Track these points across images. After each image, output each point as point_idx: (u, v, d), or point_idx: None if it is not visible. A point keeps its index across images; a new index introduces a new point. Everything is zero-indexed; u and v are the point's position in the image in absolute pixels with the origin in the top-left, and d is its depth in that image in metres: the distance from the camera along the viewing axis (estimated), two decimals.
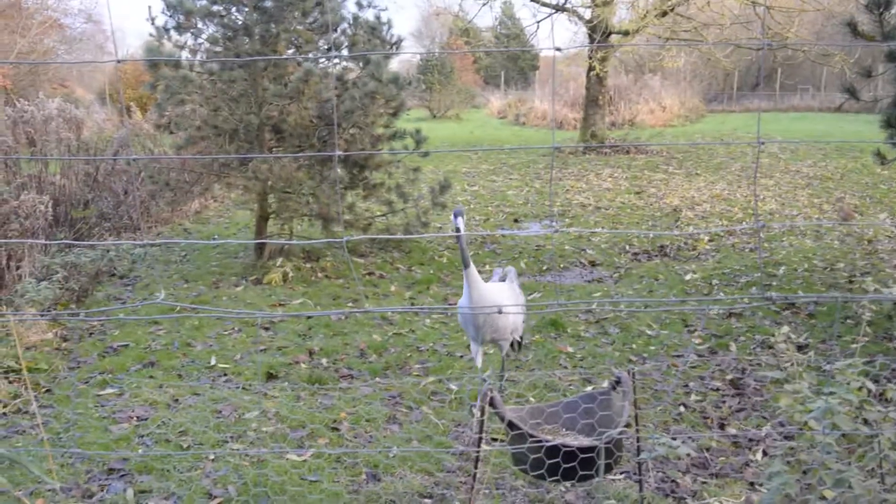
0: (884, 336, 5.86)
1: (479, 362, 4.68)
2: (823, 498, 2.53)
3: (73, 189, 9.98)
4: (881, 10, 6.06)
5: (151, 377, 5.50)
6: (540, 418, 3.16)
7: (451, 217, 4.31)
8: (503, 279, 4.82)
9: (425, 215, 9.00)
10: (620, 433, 2.66)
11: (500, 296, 4.48)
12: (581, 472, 2.59)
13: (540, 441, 2.68)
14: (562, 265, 8.64)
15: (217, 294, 7.63)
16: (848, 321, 6.14)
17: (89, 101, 20.03)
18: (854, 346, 5.59)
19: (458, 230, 4.15)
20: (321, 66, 9.00)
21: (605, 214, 11.43)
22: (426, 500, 3.77)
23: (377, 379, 5.38)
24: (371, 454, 4.23)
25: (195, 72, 8.48)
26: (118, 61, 1.73)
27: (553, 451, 2.66)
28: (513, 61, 44.67)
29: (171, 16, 8.45)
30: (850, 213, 10.75)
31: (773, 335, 2.73)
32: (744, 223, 10.36)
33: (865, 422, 2.27)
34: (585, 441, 2.85)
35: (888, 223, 10.20)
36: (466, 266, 4.30)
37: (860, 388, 2.27)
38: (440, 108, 32.89)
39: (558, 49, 1.87)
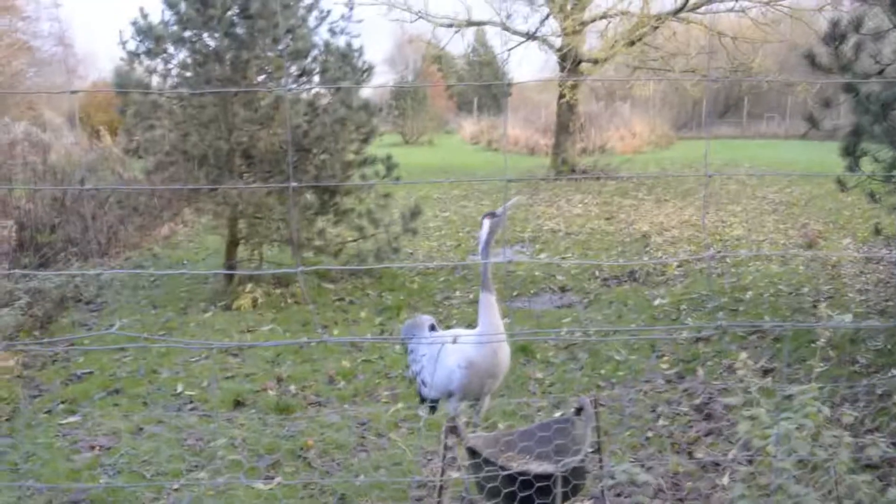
0: (847, 360, 5.95)
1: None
2: None
3: (40, 213, 9.85)
4: (837, 43, 6.23)
5: (116, 405, 5.41)
6: (505, 446, 3.16)
7: (482, 232, 3.51)
8: (432, 327, 4.13)
9: (396, 241, 9.01)
10: (580, 460, 2.67)
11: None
12: (538, 501, 2.59)
13: (496, 468, 2.68)
14: (532, 290, 8.67)
15: (185, 320, 7.55)
16: (812, 345, 6.22)
17: (58, 125, 19.83)
18: (818, 369, 5.67)
19: (488, 235, 3.44)
20: (292, 92, 9.03)
21: (575, 240, 11.52)
22: None
23: (346, 406, 5.34)
24: (338, 482, 4.19)
25: (165, 97, 8.46)
26: (72, 91, 1.73)
27: (511, 478, 2.65)
28: (486, 87, 45.08)
29: (141, 41, 8.44)
30: (814, 239, 10.95)
31: (747, 364, 2.77)
32: (711, 248, 10.50)
33: (822, 446, 2.31)
34: (543, 468, 2.85)
35: (851, 248, 10.40)
36: (489, 291, 3.48)
37: (817, 413, 2.32)
38: (413, 133, 33.08)
39: (509, 92, 1.91)
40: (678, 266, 9.58)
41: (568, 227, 12.55)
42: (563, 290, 8.73)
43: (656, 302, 7.99)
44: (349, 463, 4.51)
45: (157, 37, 8.21)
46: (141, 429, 4.99)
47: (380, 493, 4.07)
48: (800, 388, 2.35)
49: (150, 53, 8.46)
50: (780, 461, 2.18)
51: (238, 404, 5.40)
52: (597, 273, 9.37)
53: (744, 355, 2.45)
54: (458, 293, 8.45)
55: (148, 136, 8.29)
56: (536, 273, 9.37)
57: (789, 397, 2.36)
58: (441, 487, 2.85)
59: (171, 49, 8.51)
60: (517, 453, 3.13)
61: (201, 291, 8.64)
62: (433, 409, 4.05)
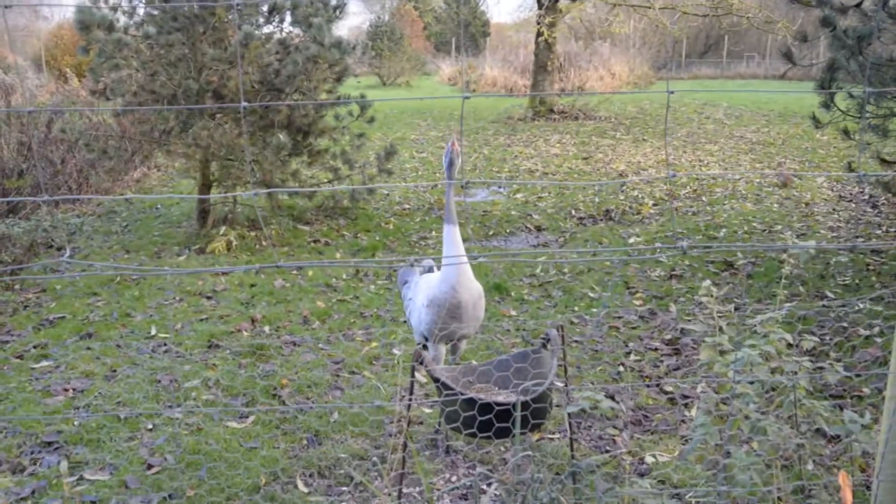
0: (816, 294, 6.05)
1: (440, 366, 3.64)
2: (754, 449, 2.62)
3: (6, 158, 9.62)
4: None
5: (89, 349, 5.38)
6: (471, 376, 3.18)
7: (444, 156, 3.49)
8: (429, 269, 4.09)
9: (371, 182, 8.93)
10: (538, 387, 2.70)
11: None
12: (498, 426, 2.62)
13: (455, 394, 2.70)
14: (508, 230, 8.68)
15: (159, 264, 7.48)
16: (783, 281, 6.30)
17: (23, 67, 19.24)
18: (788, 304, 5.76)
19: (448, 168, 3.40)
20: (265, 31, 8.80)
21: (552, 180, 11.50)
22: (365, 464, 3.79)
23: (320, 345, 5.36)
24: (310, 420, 4.22)
25: (130, 35, 8.20)
26: (5, 6, 1.65)
27: (471, 404, 2.68)
28: (464, 28, 44.32)
29: None
30: (789, 178, 11.00)
31: (711, 292, 2.78)
32: (687, 187, 10.53)
33: (784, 372, 2.35)
34: (504, 396, 2.88)
35: (825, 187, 10.48)
36: (451, 222, 3.44)
37: (778, 340, 2.34)
38: (390, 75, 32.59)
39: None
40: (654, 205, 9.61)
41: (545, 167, 12.50)
42: (538, 229, 8.73)
43: (631, 240, 8.03)
44: (323, 401, 4.54)
45: None
46: (114, 371, 4.97)
47: (353, 429, 4.11)
48: (763, 316, 2.37)
49: None
50: (739, 384, 2.21)
51: (212, 346, 5.40)
52: (573, 212, 9.37)
53: (707, 283, 2.46)
54: (433, 233, 8.43)
55: (114, 76, 8.07)
56: (513, 213, 9.36)
57: (749, 325, 2.38)
58: (409, 418, 2.87)
59: None
60: (484, 383, 3.16)
61: (175, 235, 8.55)
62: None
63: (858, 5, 6.48)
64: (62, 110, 9.35)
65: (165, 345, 5.46)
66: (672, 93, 1.84)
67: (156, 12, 8.30)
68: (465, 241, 3.60)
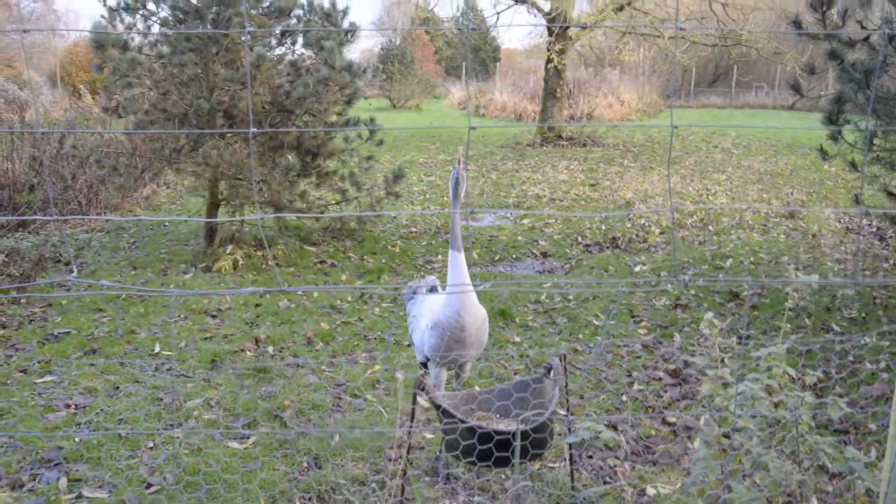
0: (822, 327, 6.02)
1: (442, 391, 3.67)
2: (756, 484, 2.59)
3: (18, 173, 9.71)
4: (824, 8, 6.19)
5: (92, 365, 5.39)
6: (473, 403, 3.17)
7: (450, 178, 3.55)
8: (433, 289, 4.12)
9: (379, 204, 8.97)
10: (538, 416, 2.68)
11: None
12: (497, 455, 2.61)
13: (456, 422, 2.69)
14: (514, 256, 8.68)
15: (165, 281, 7.50)
16: (790, 312, 6.28)
17: (38, 84, 19.47)
18: (793, 336, 5.73)
19: (454, 189, 3.45)
20: (277, 52, 8.90)
21: (559, 206, 11.52)
22: (364, 489, 3.77)
23: (323, 367, 5.35)
24: (310, 443, 4.20)
25: (144, 55, 8.30)
26: (24, 30, 1.69)
27: (471, 432, 2.67)
28: (474, 52, 44.69)
29: None
30: (796, 209, 10.99)
31: (713, 324, 2.77)
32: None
33: (785, 406, 2.33)
34: (503, 424, 2.87)
35: (832, 219, 10.46)
36: (456, 249, 3.47)
37: (781, 374, 2.33)
38: (400, 98, 32.83)
39: (472, 27, 1.88)
40: (660, 233, 9.61)
41: (552, 193, 12.53)
42: (544, 255, 8.74)
43: (637, 269, 8.02)
44: (324, 424, 4.52)
45: None
46: (117, 388, 4.97)
47: (354, 453, 4.09)
48: (766, 349, 2.36)
49: (129, 10, 8.29)
50: (740, 419, 2.20)
51: (215, 365, 5.39)
52: (579, 239, 9.38)
53: (710, 314, 2.46)
54: (440, 256, 8.44)
55: (127, 94, 8.16)
56: (519, 238, 9.37)
57: (753, 358, 2.37)
58: (410, 444, 2.86)
59: (151, 5, 8.36)
60: (485, 411, 3.15)
61: (182, 253, 8.58)
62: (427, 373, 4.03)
63: (866, 39, 6.51)
64: (73, 131, 9.45)
65: (168, 363, 5.46)
66: (676, 126, 1.86)
67: (170, 33, 8.42)
68: (470, 266, 3.57)
